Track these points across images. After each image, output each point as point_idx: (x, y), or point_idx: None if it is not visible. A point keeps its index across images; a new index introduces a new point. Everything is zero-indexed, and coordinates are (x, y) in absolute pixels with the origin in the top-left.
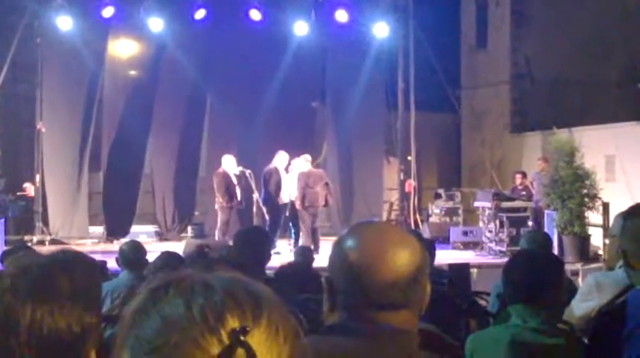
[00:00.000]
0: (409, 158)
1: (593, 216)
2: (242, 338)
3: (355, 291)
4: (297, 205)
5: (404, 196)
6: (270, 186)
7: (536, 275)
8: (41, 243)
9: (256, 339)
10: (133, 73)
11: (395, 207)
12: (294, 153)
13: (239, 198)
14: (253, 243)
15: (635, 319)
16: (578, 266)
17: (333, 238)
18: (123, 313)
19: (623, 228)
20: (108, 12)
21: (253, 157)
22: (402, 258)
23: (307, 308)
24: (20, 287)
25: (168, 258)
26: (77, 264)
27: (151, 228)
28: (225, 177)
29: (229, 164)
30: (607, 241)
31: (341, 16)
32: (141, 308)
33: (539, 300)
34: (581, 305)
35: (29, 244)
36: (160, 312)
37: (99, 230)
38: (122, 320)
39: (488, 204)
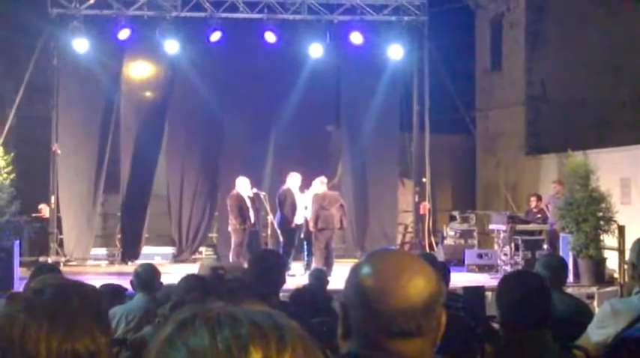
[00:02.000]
0: (424, 180)
1: (609, 239)
2: None
3: (369, 318)
4: (311, 227)
5: (419, 218)
6: (286, 207)
7: (525, 297)
8: (56, 264)
9: None
10: (148, 94)
11: (410, 229)
12: (309, 174)
13: (252, 220)
14: (268, 267)
15: None
16: (594, 289)
17: (348, 260)
18: (149, 342)
19: (638, 255)
20: (124, 34)
21: (268, 179)
22: (417, 287)
23: (321, 332)
24: (35, 308)
25: (193, 281)
26: (87, 286)
27: (166, 250)
28: (239, 199)
29: (243, 186)
30: (625, 267)
31: (356, 38)
32: (168, 339)
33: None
34: (598, 332)
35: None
36: (185, 343)
37: (113, 251)
38: (149, 350)
39: (503, 227)
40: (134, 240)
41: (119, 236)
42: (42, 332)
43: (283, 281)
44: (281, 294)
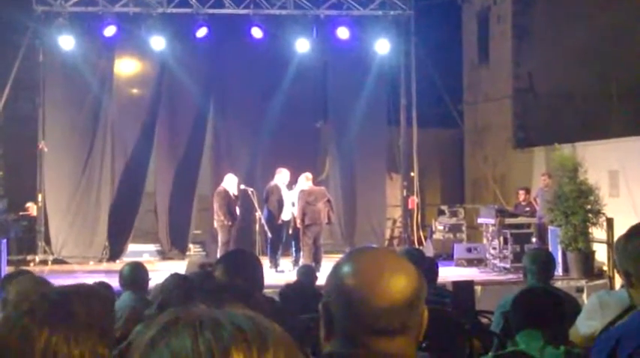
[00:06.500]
0: (412, 174)
1: (598, 232)
2: None
3: (351, 317)
4: (298, 223)
5: (407, 213)
6: (272, 203)
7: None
8: (44, 262)
9: None
10: (135, 91)
11: (398, 223)
12: (297, 170)
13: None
14: (242, 269)
15: (635, 341)
16: (583, 282)
17: (337, 255)
18: (132, 340)
19: (625, 249)
20: (110, 31)
21: (256, 175)
22: (398, 284)
23: (310, 328)
24: (38, 312)
25: (178, 280)
26: (94, 295)
27: (154, 247)
28: (227, 195)
29: (230, 183)
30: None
31: (342, 33)
32: (150, 340)
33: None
34: (586, 324)
35: (31, 264)
36: (168, 345)
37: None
38: (133, 352)
39: (491, 221)
40: (123, 238)
41: (107, 234)
42: (41, 337)
43: (262, 285)
44: (270, 290)
